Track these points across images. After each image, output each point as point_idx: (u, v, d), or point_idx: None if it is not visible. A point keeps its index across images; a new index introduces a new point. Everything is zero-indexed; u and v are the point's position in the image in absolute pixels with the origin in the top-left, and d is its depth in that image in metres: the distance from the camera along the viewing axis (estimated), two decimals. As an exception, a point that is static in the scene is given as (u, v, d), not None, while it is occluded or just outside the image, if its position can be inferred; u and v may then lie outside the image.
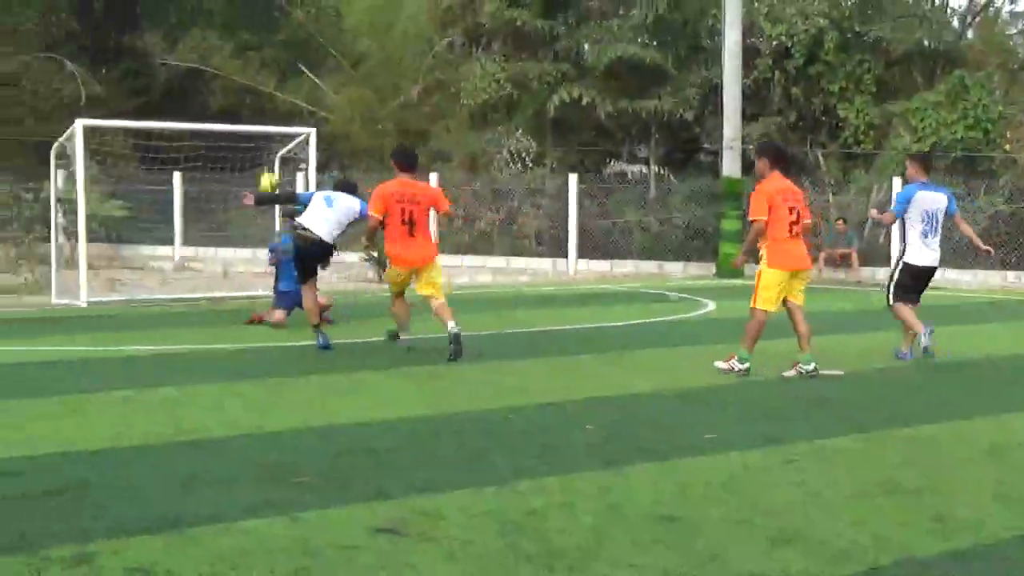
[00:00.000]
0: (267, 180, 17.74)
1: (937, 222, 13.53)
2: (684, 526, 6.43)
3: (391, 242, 13.32)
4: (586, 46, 33.15)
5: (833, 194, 29.46)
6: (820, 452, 8.39)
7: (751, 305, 12.46)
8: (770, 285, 12.32)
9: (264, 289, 21.74)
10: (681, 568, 5.72)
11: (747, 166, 29.80)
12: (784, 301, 12.45)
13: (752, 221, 12.33)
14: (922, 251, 13.53)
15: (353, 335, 15.19)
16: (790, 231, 12.22)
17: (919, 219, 13.47)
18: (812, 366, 12.18)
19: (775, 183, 12.33)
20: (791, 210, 12.23)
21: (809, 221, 12.58)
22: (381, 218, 13.21)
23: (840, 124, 30.75)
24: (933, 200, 13.53)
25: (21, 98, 36.66)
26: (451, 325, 13.15)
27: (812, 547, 6.06)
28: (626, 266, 29.37)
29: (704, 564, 5.79)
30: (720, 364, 12.37)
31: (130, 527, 6.26)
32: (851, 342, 15.27)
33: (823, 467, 7.92)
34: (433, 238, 14.10)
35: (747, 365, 12.21)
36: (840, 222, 27.94)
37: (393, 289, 13.82)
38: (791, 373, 12.15)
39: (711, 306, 20.10)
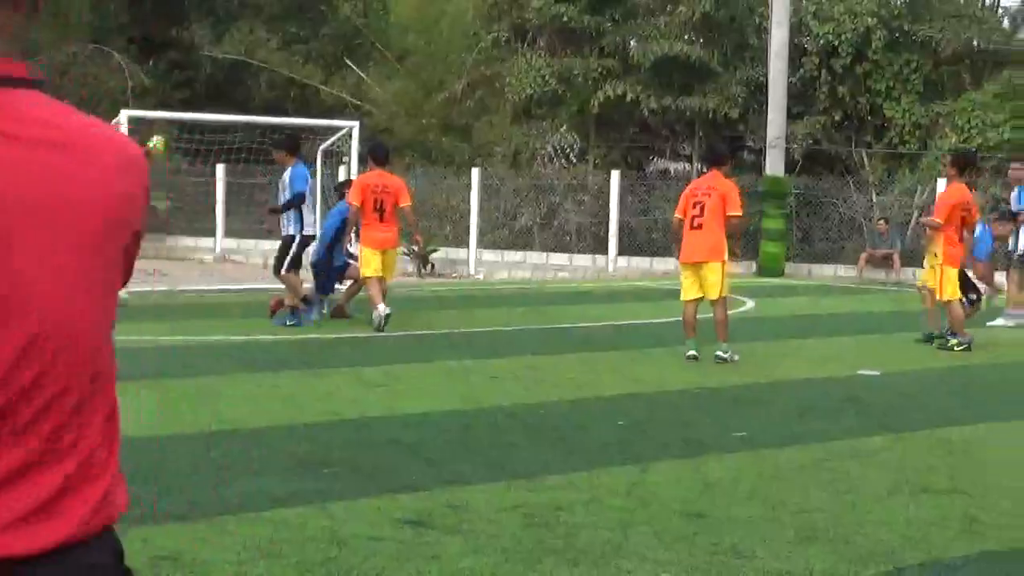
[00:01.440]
0: (154, 143, 18.30)
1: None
2: (710, 523, 6.42)
3: (366, 227, 15.04)
4: (632, 42, 33.01)
5: (877, 194, 29.29)
6: (852, 452, 8.36)
7: None
8: (681, 276, 13.26)
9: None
10: (705, 564, 5.72)
11: (790, 165, 29.71)
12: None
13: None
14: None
15: (388, 328, 15.21)
16: (691, 224, 12.81)
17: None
18: (727, 355, 12.73)
19: (694, 181, 13.20)
20: (695, 204, 12.82)
21: (736, 215, 12.94)
22: (359, 206, 14.96)
23: (886, 124, 30.53)
24: None
25: (69, 88, 36.95)
26: (381, 307, 14.67)
27: (838, 546, 6.05)
28: (667, 263, 29.24)
29: (729, 561, 5.79)
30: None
31: (160, 515, 6.31)
32: (889, 342, 15.19)
33: (853, 467, 7.89)
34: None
35: (692, 352, 12.78)
36: (882, 222, 27.74)
37: (367, 272, 15.00)
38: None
39: (751, 304, 20.02)
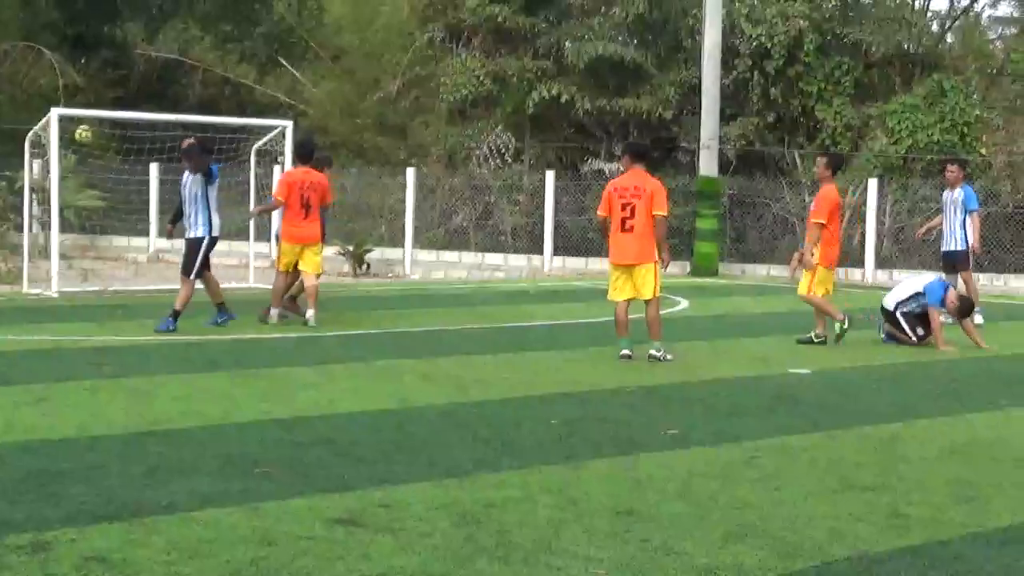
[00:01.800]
0: (81, 134, 18.60)
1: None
2: (640, 520, 6.47)
3: (287, 222, 15.54)
4: (567, 43, 33.10)
5: (809, 194, 29.53)
6: (781, 449, 8.45)
7: None
8: (609, 277, 13.14)
9: (236, 282, 21.71)
10: (636, 561, 5.77)
11: (723, 165, 29.91)
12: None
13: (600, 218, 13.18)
14: None
15: (322, 329, 15.20)
16: (622, 226, 12.78)
17: None
18: (660, 353, 12.79)
19: (618, 180, 13.10)
20: (624, 206, 12.75)
21: (660, 214, 12.86)
22: (284, 201, 15.47)
23: (818, 125, 30.81)
24: None
25: (-1, 87, 36.52)
26: (309, 314, 15.27)
27: (766, 542, 6.11)
28: (602, 263, 29.31)
29: (659, 558, 5.83)
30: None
31: (89, 516, 6.28)
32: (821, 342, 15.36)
33: (783, 464, 7.98)
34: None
35: (626, 351, 12.83)
36: (815, 223, 27.97)
37: (281, 267, 15.61)
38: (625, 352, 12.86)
39: (684, 304, 20.16)
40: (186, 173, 14.96)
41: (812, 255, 14.49)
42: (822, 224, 14.40)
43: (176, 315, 14.55)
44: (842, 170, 15.24)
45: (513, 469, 7.57)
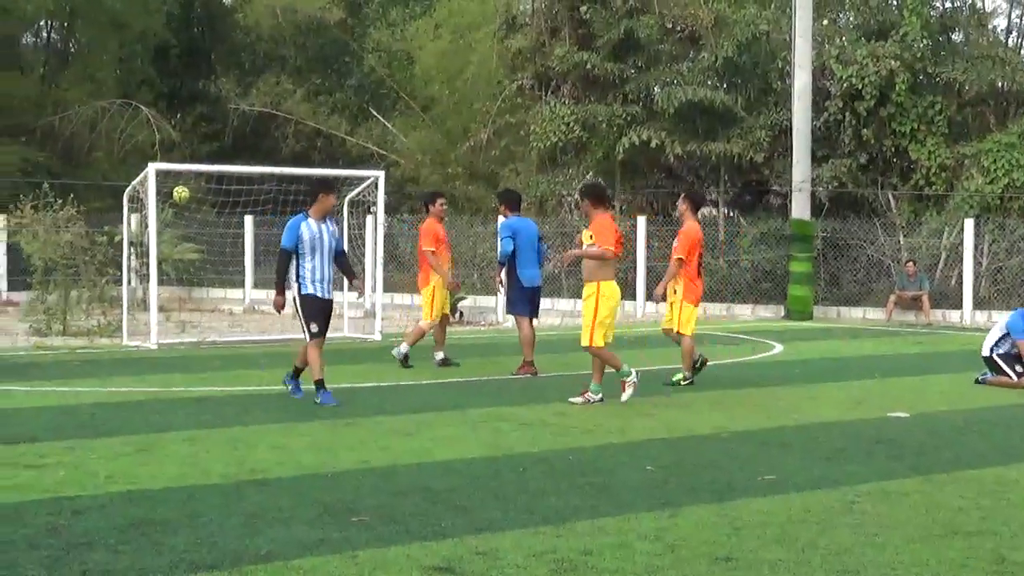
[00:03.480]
0: (179, 194, 19.46)
1: None
2: (739, 567, 6.41)
3: None
4: (656, 89, 33.15)
5: (904, 236, 29.25)
6: (881, 494, 8.34)
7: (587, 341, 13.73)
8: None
9: (331, 332, 21.85)
10: (735, 609, 5.72)
11: (816, 208, 29.69)
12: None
13: (610, 250, 14.04)
14: None
15: (418, 376, 15.29)
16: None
17: None
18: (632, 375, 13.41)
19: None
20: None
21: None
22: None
23: (911, 165, 30.54)
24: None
25: (98, 143, 37.32)
26: (402, 347, 16.65)
27: (868, 589, 6.03)
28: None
29: (758, 605, 5.78)
30: (574, 399, 13.21)
31: (190, 564, 6.35)
32: (918, 385, 15.16)
33: (883, 509, 7.87)
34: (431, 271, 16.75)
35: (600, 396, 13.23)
36: (910, 264, 27.72)
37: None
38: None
39: (778, 348, 19.99)
40: (328, 222, 13.07)
41: (675, 292, 14.53)
42: (681, 260, 14.41)
43: (322, 383, 13.02)
44: (700, 208, 15.64)
45: (610, 515, 7.54)
